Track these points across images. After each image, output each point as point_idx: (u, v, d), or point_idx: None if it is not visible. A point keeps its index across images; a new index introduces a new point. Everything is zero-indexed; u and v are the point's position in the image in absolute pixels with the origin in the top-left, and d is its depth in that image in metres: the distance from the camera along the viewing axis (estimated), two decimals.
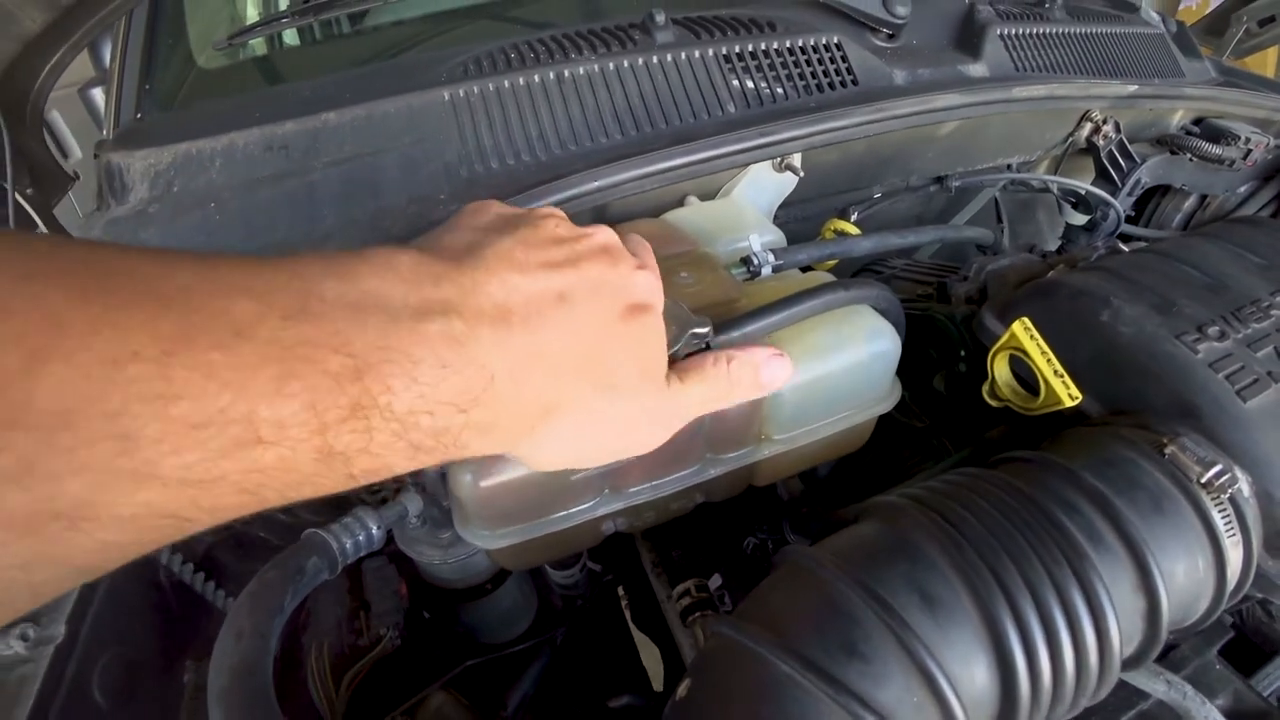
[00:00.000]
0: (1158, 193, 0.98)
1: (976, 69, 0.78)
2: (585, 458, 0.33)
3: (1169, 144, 0.90)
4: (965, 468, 0.43)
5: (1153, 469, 0.40)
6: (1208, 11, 1.20)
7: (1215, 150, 0.87)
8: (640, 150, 0.61)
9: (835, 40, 0.72)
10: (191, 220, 0.57)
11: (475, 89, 0.63)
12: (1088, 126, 0.86)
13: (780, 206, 0.72)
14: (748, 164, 0.66)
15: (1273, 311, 0.49)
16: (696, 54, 0.68)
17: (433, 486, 0.51)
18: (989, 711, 0.34)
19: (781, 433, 0.46)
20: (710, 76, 0.68)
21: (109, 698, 0.44)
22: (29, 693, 0.40)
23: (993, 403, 0.52)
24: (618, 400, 0.31)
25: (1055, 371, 0.46)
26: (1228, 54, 1.12)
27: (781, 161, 0.68)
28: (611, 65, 0.65)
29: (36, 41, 0.59)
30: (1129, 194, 0.86)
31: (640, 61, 0.66)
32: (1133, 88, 0.84)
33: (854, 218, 0.75)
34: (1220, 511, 0.39)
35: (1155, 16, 0.98)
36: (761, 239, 0.56)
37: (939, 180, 0.82)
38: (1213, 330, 0.46)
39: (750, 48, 0.69)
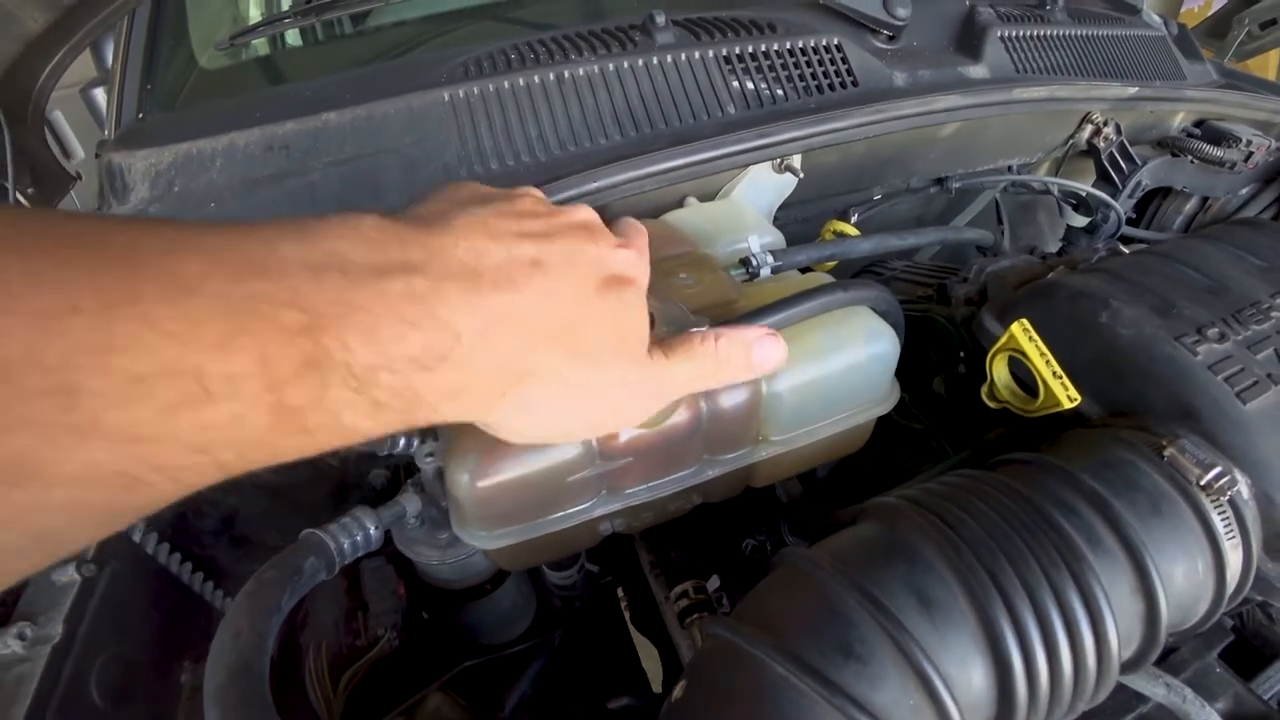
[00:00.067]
0: (1159, 195, 0.98)
1: (977, 70, 0.78)
2: (561, 431, 0.32)
3: (1170, 146, 0.90)
4: (964, 469, 0.43)
5: (1152, 471, 0.39)
6: (1209, 14, 1.20)
7: (1216, 152, 0.87)
8: (640, 151, 0.61)
9: (835, 41, 0.72)
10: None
11: (475, 90, 0.63)
12: (1088, 128, 0.86)
13: (780, 208, 0.72)
14: (747, 165, 0.66)
15: (1273, 314, 0.49)
16: (696, 55, 0.68)
17: (431, 487, 0.51)
18: (986, 714, 0.33)
19: (779, 434, 0.46)
20: (710, 77, 0.68)
21: (106, 697, 0.44)
22: (26, 692, 0.40)
23: (992, 404, 0.51)
24: (594, 371, 0.30)
25: (1054, 373, 0.46)
26: (1229, 56, 1.12)
27: (781, 163, 0.68)
28: (611, 66, 0.65)
29: (38, 42, 0.59)
30: (1130, 196, 0.86)
31: (640, 62, 0.66)
32: (1134, 90, 0.84)
33: (854, 219, 0.75)
34: (1220, 514, 0.39)
35: (1156, 19, 0.98)
36: (761, 240, 0.56)
37: (939, 182, 0.82)
38: (1213, 332, 0.46)
39: (750, 49, 0.69)
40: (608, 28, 0.69)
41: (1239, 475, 0.40)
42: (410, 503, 0.50)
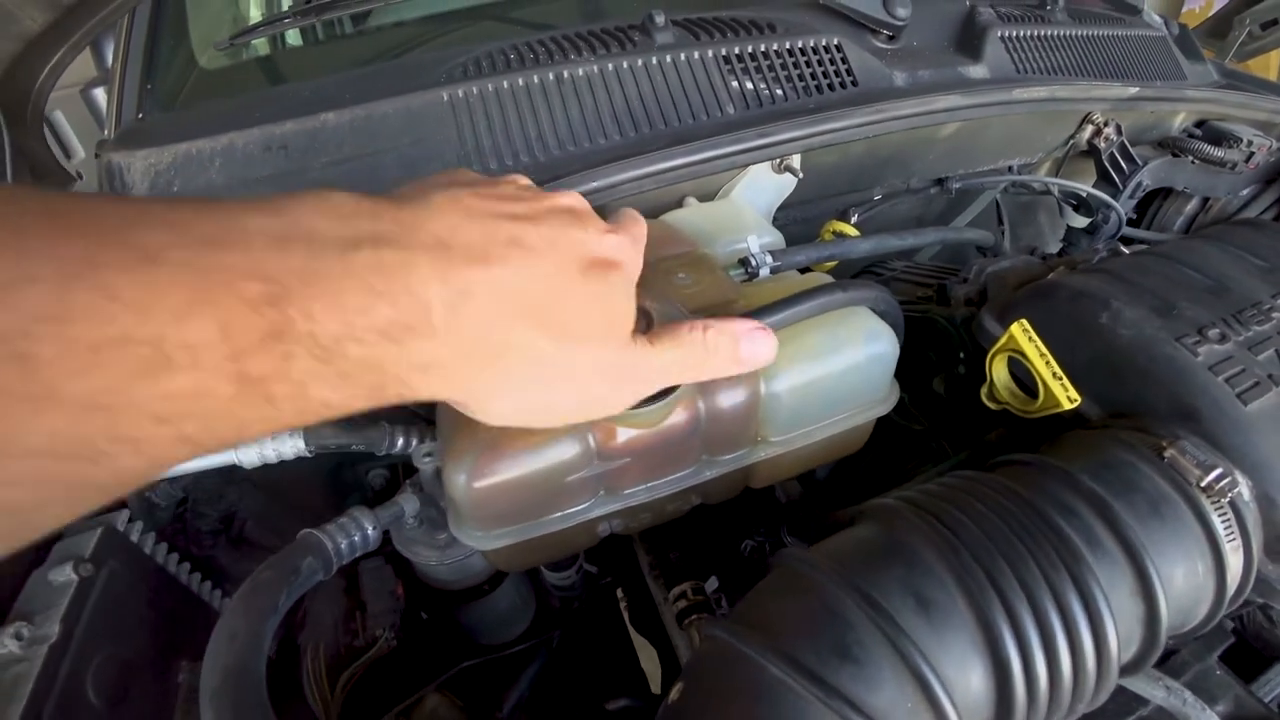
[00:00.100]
0: (1159, 195, 0.97)
1: (977, 71, 0.78)
2: (541, 414, 0.32)
3: (1171, 146, 0.90)
4: (963, 471, 0.43)
5: (1152, 472, 0.39)
6: (1210, 14, 1.20)
7: (1217, 153, 0.87)
8: (639, 151, 0.61)
9: (835, 42, 0.72)
10: None
11: (474, 90, 0.63)
12: (1089, 129, 0.85)
13: (779, 208, 0.72)
14: (747, 165, 0.66)
15: (1274, 314, 0.48)
16: (696, 55, 0.68)
17: (430, 487, 0.51)
18: (984, 717, 0.33)
19: (778, 434, 0.46)
20: (710, 77, 0.68)
21: (103, 697, 0.44)
22: (22, 692, 0.40)
23: (991, 405, 0.51)
24: (575, 353, 0.29)
25: (1054, 374, 0.46)
26: (1230, 57, 1.12)
27: (781, 163, 0.68)
28: (611, 66, 0.65)
29: (37, 41, 0.59)
30: (1130, 196, 0.86)
31: (640, 62, 0.66)
32: (1134, 90, 0.83)
33: (854, 219, 0.75)
34: (1220, 516, 0.38)
35: (1157, 19, 0.98)
36: (760, 240, 0.56)
37: (939, 182, 0.82)
38: (1213, 333, 0.46)
39: (750, 49, 0.69)
40: (607, 28, 0.69)
41: (1240, 477, 0.40)
42: (408, 503, 0.50)
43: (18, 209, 0.19)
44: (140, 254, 0.20)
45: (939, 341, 0.60)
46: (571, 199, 0.32)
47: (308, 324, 0.22)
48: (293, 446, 0.51)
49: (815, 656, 0.31)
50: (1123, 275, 0.52)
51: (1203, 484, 0.38)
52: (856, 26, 0.75)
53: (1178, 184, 0.90)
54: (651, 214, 0.62)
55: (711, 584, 0.54)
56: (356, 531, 0.47)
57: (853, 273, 0.79)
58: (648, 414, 0.39)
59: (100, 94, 1.02)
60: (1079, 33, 0.86)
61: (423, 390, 0.27)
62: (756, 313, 0.42)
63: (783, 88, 0.69)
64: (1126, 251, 0.62)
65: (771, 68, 0.69)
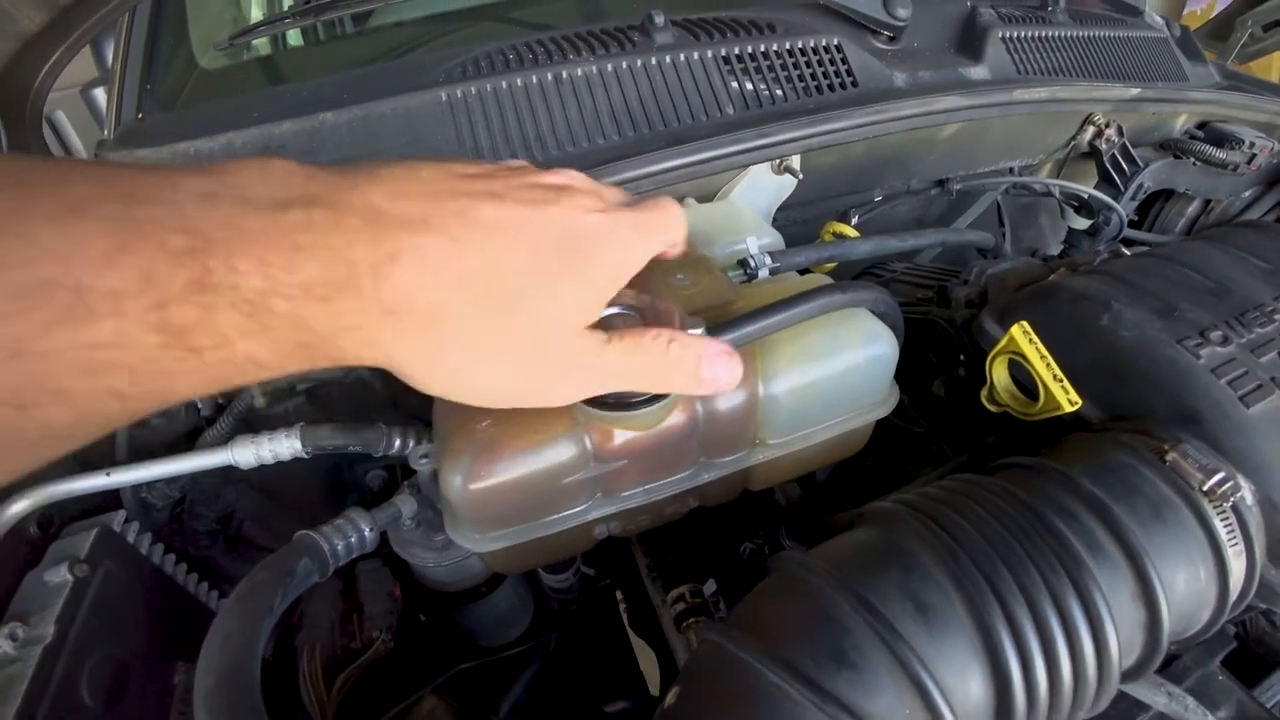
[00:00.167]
0: (1161, 197, 0.97)
1: (978, 71, 0.77)
2: (480, 393, 0.30)
3: (1172, 148, 0.89)
4: (963, 474, 0.43)
5: (1153, 476, 0.39)
6: (1212, 16, 1.19)
7: (1219, 154, 0.87)
8: (638, 151, 0.61)
9: (835, 42, 0.72)
10: None
11: (473, 90, 0.63)
12: (1090, 130, 0.85)
13: (779, 209, 0.71)
14: (746, 165, 0.66)
15: (1276, 316, 0.48)
16: (695, 55, 0.67)
17: (427, 488, 0.50)
18: None
19: (776, 437, 0.46)
20: (709, 78, 0.67)
21: (98, 698, 0.44)
22: (16, 692, 0.40)
23: (992, 408, 0.51)
24: (519, 333, 0.28)
25: (1054, 376, 0.45)
26: (1232, 58, 1.12)
27: (780, 163, 0.68)
28: (610, 66, 0.65)
29: (34, 41, 0.59)
30: (1132, 198, 0.85)
31: (639, 63, 0.66)
32: (1136, 91, 0.83)
33: (854, 221, 0.74)
34: (1222, 520, 0.38)
35: (1159, 20, 0.98)
36: (759, 241, 0.56)
37: (940, 183, 0.82)
38: (1215, 335, 0.46)
39: (750, 49, 0.69)
40: (606, 28, 0.69)
41: (1242, 480, 0.40)
42: (406, 504, 0.50)
43: None
44: (67, 205, 0.20)
45: (939, 343, 0.59)
46: (565, 176, 0.31)
47: (230, 276, 0.23)
48: (290, 447, 0.51)
49: (812, 662, 0.31)
50: (1124, 277, 0.52)
51: (1205, 488, 0.38)
52: (857, 27, 0.75)
53: (1179, 186, 0.90)
54: None
55: (710, 586, 0.54)
56: (353, 533, 0.47)
57: (853, 274, 0.79)
58: (645, 416, 0.38)
59: (100, 94, 1.02)
60: (1080, 34, 0.86)
61: (352, 354, 0.26)
62: (754, 314, 0.42)
63: (782, 88, 0.69)
64: (1128, 253, 0.61)
65: (771, 68, 0.69)
